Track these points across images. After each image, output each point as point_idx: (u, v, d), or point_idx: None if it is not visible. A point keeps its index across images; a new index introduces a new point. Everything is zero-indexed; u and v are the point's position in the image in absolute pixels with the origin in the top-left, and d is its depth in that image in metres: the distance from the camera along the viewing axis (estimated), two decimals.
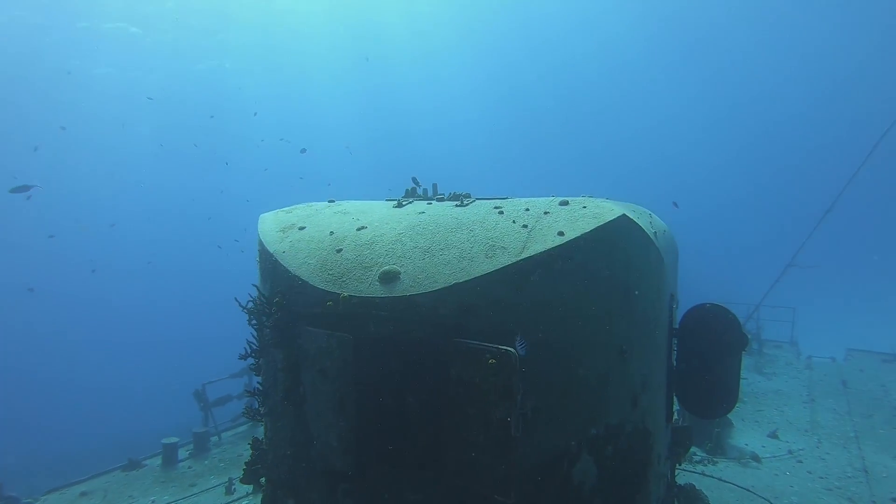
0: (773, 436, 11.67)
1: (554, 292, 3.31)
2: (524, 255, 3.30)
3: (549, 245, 3.33)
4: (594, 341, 3.47)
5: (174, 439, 11.34)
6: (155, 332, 51.31)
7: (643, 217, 4.35)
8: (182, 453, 11.54)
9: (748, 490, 8.66)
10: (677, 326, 5.53)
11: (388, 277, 3.52)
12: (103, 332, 51.16)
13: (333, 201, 5.29)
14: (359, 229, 4.15)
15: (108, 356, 46.62)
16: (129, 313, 54.49)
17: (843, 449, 11.02)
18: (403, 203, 4.65)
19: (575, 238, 3.35)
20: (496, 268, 3.29)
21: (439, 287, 3.33)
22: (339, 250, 3.95)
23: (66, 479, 10.54)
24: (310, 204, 5.24)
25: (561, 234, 3.41)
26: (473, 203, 4.31)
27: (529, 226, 3.59)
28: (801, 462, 10.18)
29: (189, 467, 10.96)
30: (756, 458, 10.17)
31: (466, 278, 3.30)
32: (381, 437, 3.62)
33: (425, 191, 5.45)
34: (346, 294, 3.56)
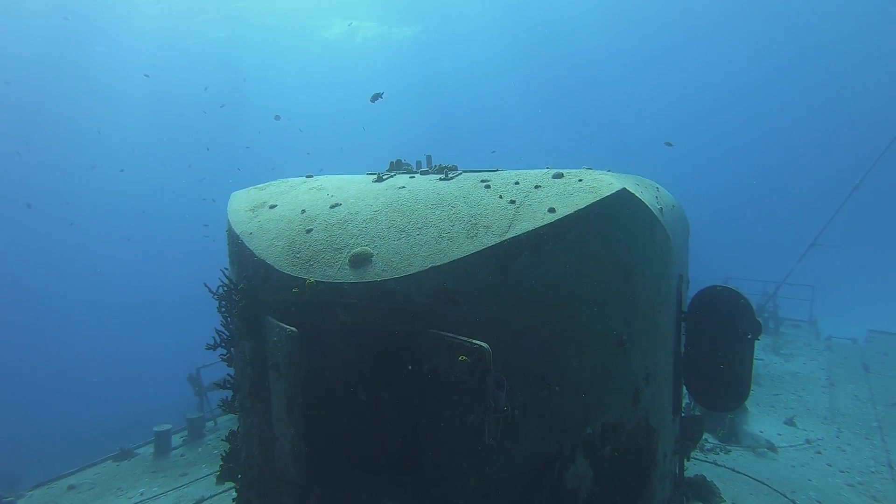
0: (791, 423, 11.35)
1: (544, 276, 2.99)
2: (510, 235, 2.97)
3: (539, 223, 3.00)
4: (590, 331, 3.15)
5: (166, 426, 11.19)
6: (147, 311, 51.02)
7: (648, 191, 4.01)
8: (176, 440, 11.41)
9: (763, 483, 8.37)
10: (686, 310, 5.23)
11: (359, 260, 3.22)
12: (91, 310, 50.60)
13: (311, 176, 4.97)
14: (332, 207, 3.84)
15: (96, 337, 45.99)
16: (117, 291, 54.12)
17: (865, 440, 10.68)
18: (384, 177, 4.32)
19: (568, 215, 3.02)
20: (478, 249, 2.96)
21: (414, 271, 3.01)
22: (309, 230, 3.64)
23: (54, 471, 10.42)
24: (285, 180, 4.93)
25: (552, 210, 3.07)
26: (459, 176, 3.97)
27: (518, 201, 3.25)
28: (820, 453, 9.86)
29: (182, 455, 10.81)
30: (772, 448, 9.86)
31: (445, 261, 2.98)
32: (352, 438, 3.34)
33: (419, 164, 5.14)
34: (312, 279, 3.25)
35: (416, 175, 4.31)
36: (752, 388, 5.33)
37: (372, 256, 3.20)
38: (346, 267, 3.23)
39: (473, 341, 2.77)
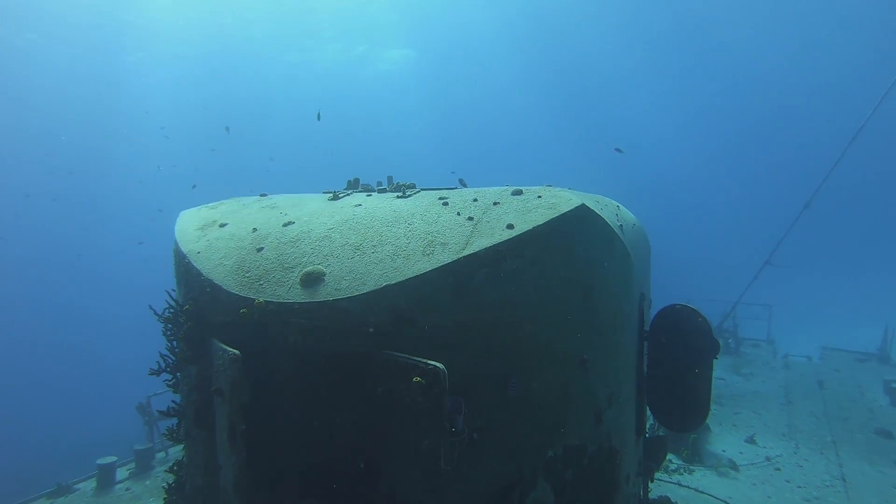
0: (751, 441, 11.51)
1: (502, 295, 2.92)
2: (467, 252, 2.90)
3: (496, 240, 2.94)
4: (550, 351, 3.09)
5: (111, 459, 10.69)
6: (88, 336, 48.82)
7: (608, 209, 4.00)
8: (122, 473, 10.90)
9: (726, 502, 8.42)
10: (648, 329, 5.22)
11: (311, 279, 3.10)
12: (26, 335, 47.58)
13: (265, 195, 4.84)
14: (285, 225, 3.72)
15: (34, 363, 43.36)
16: (57, 314, 51.65)
17: (820, 455, 10.89)
18: (340, 195, 4.22)
19: (526, 231, 2.97)
20: (434, 266, 2.88)
21: (368, 290, 2.91)
22: (260, 249, 3.51)
23: None
24: (238, 199, 4.79)
25: (510, 227, 3.02)
26: (418, 194, 3.90)
27: (476, 218, 3.19)
28: (779, 469, 10.00)
29: (127, 489, 10.32)
30: (734, 466, 9.96)
31: (399, 279, 2.89)
32: (304, 466, 3.19)
33: (379, 183, 5.06)
34: (261, 300, 3.12)
35: (374, 193, 4.22)
36: (711, 407, 5.33)
37: (324, 275, 3.09)
38: (298, 286, 3.10)
39: (428, 362, 2.67)
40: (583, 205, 3.20)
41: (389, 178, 5.32)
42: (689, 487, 8.91)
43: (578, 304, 3.19)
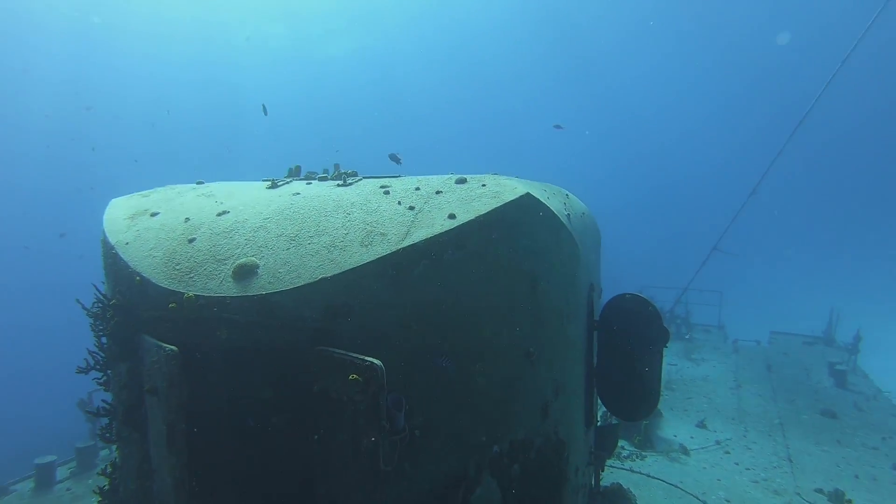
0: (702, 425, 11.78)
1: (443, 287, 2.82)
2: (406, 243, 2.80)
3: (438, 230, 2.84)
4: (495, 344, 3.01)
5: (50, 458, 10.27)
6: (32, 328, 46.66)
7: (556, 198, 3.94)
8: (63, 472, 10.50)
9: (676, 486, 8.58)
10: (597, 319, 5.22)
11: (243, 272, 2.94)
12: None
13: (202, 182, 4.63)
14: (219, 214, 3.54)
15: None
16: None
17: (768, 437, 11.22)
18: (279, 183, 4.05)
19: (468, 221, 2.87)
20: (372, 258, 2.77)
21: (303, 283, 2.78)
22: (192, 240, 3.33)
23: None
24: (173, 186, 4.56)
25: (452, 216, 2.92)
26: (359, 182, 3.77)
27: (417, 207, 3.09)
28: (728, 453, 10.26)
29: (68, 489, 9.95)
30: (685, 451, 10.17)
31: (336, 272, 2.76)
32: (239, 469, 3.05)
33: (326, 171, 4.89)
34: (190, 294, 2.95)
35: (314, 181, 4.07)
36: (662, 394, 5.38)
37: (258, 268, 2.94)
38: (230, 280, 2.95)
39: (365, 358, 2.56)
40: (528, 193, 3.13)
41: (336, 166, 5.17)
42: (640, 473, 9.05)
43: (523, 295, 3.12)
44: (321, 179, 4.11)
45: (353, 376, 2.57)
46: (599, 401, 5.39)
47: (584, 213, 4.88)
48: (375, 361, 2.55)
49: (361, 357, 2.58)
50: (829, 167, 69.65)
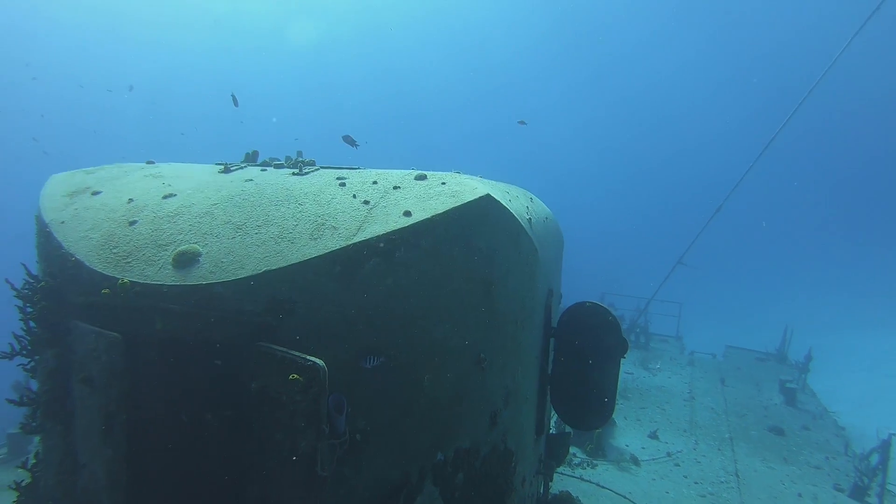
0: (654, 436, 11.93)
1: (394, 286, 2.73)
2: (358, 238, 2.69)
3: (391, 227, 2.74)
4: (444, 348, 2.93)
5: None
6: None
7: (519, 200, 3.88)
8: None
9: (625, 497, 8.65)
10: (555, 326, 5.18)
11: (184, 260, 2.80)
12: None
13: (152, 162, 4.44)
14: (165, 197, 3.38)
15: None
16: None
17: (717, 451, 11.42)
18: (232, 168, 3.90)
19: (424, 220, 2.79)
20: (321, 252, 2.66)
21: (246, 274, 2.66)
22: (133, 223, 3.17)
23: None
24: (120, 165, 4.36)
25: (408, 213, 2.83)
26: (315, 172, 3.65)
27: (372, 202, 2.98)
28: (678, 465, 10.40)
29: None
30: (635, 461, 10.27)
31: (282, 264, 2.65)
32: (171, 467, 2.91)
33: (288, 158, 4.74)
34: (125, 280, 2.80)
35: (269, 168, 3.93)
36: (615, 405, 5.37)
37: (200, 256, 2.81)
38: (169, 267, 2.81)
39: (308, 357, 2.46)
40: (488, 195, 3.05)
41: (299, 153, 5.04)
42: (590, 482, 9.10)
43: (477, 299, 3.05)
44: (277, 167, 3.98)
45: (293, 376, 2.46)
46: (552, 409, 5.36)
47: (547, 218, 4.84)
48: (318, 361, 2.45)
49: (304, 356, 2.48)
50: (796, 184, 71.72)
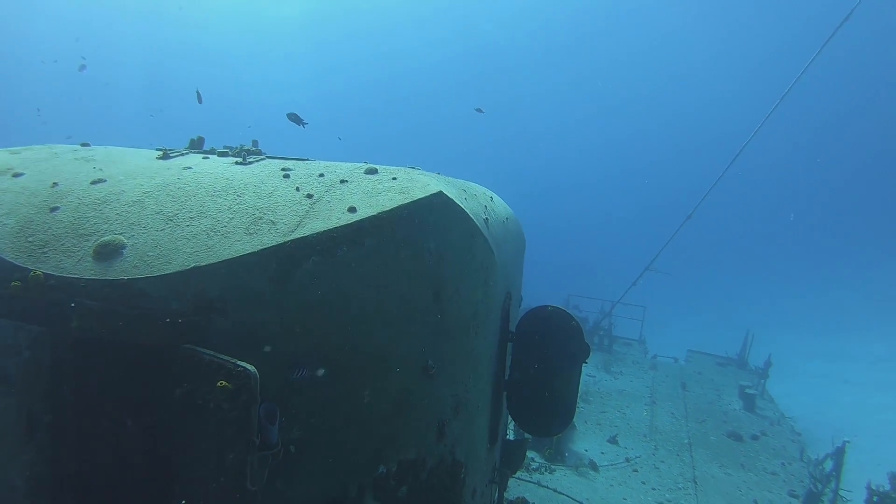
0: (613, 441, 11.99)
1: (334, 287, 2.57)
2: (296, 235, 2.53)
3: (334, 224, 2.59)
4: (389, 354, 2.79)
5: None
6: None
7: (476, 199, 3.75)
8: None
9: (582, 503, 8.64)
10: (514, 331, 5.08)
11: (106, 252, 2.60)
12: None
13: (87, 145, 4.20)
14: (94, 183, 3.16)
15: None
16: None
17: (676, 457, 11.52)
18: (172, 154, 3.69)
19: (369, 217, 2.63)
20: (256, 249, 2.49)
21: (172, 270, 2.47)
22: (54, 209, 2.94)
23: None
24: (51, 146, 4.11)
25: (352, 209, 2.68)
26: (261, 162, 3.47)
27: (316, 196, 2.82)
28: (636, 471, 10.46)
29: None
30: (594, 467, 10.29)
31: (212, 260, 2.47)
32: (90, 477, 2.71)
33: (242, 146, 4.53)
34: (38, 271, 2.58)
35: (212, 156, 3.73)
36: (575, 411, 5.30)
37: (124, 248, 2.61)
38: (89, 259, 2.60)
39: (238, 362, 2.28)
40: (440, 192, 2.92)
41: (254, 142, 4.84)
42: (547, 488, 9.06)
43: (425, 303, 2.91)
44: (221, 155, 3.78)
45: (221, 382, 2.29)
46: (510, 416, 5.27)
47: (507, 219, 4.73)
48: (249, 367, 2.28)
49: (234, 360, 2.31)
50: (764, 193, 73.56)
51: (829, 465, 11.42)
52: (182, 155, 3.72)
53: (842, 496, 11.10)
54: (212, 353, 2.35)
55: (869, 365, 35.69)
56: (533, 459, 10.07)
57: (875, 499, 10.34)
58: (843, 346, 40.54)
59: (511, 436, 7.19)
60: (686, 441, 12.51)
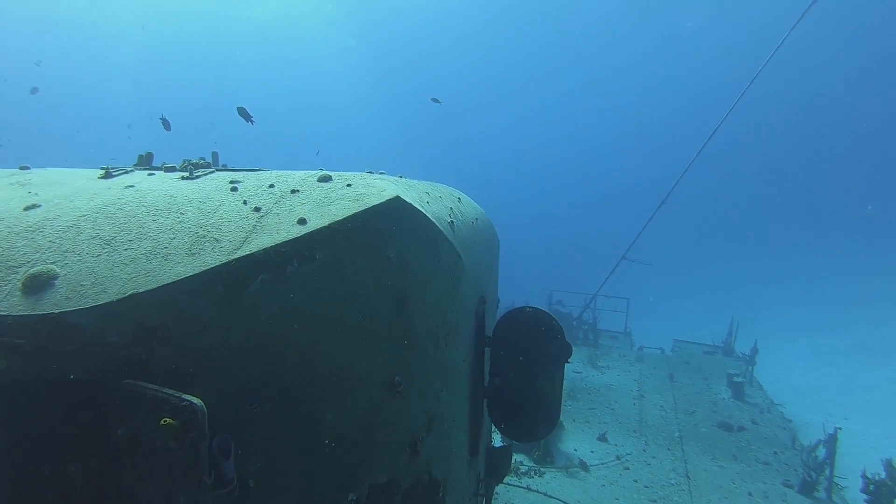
0: (603, 438, 11.92)
1: (287, 306, 2.42)
2: (242, 252, 2.37)
3: (283, 238, 2.44)
4: (351, 374, 2.64)
5: None
6: None
7: (442, 201, 3.62)
8: None
9: None
10: (491, 335, 4.97)
11: (36, 284, 2.42)
12: None
13: (27, 168, 4.00)
14: (27, 209, 2.97)
15: None
16: None
17: (667, 452, 11.48)
18: (115, 173, 3.52)
19: (320, 228, 2.49)
20: (198, 270, 2.33)
21: (109, 299, 2.30)
22: None
23: None
24: None
25: (302, 221, 2.53)
26: (209, 175, 3.30)
27: (264, 209, 2.67)
28: (627, 469, 10.39)
29: None
30: (584, 467, 10.20)
31: (152, 286, 2.31)
32: None
33: (202, 160, 4.35)
34: None
35: (158, 172, 3.56)
36: (561, 411, 5.20)
37: (56, 278, 2.43)
38: (17, 293, 2.42)
39: (184, 396, 2.13)
40: (397, 196, 2.78)
41: (214, 155, 4.68)
42: (537, 492, 8.94)
43: (388, 316, 2.77)
44: (168, 170, 3.61)
45: (165, 420, 2.13)
46: (492, 424, 5.14)
47: (476, 219, 4.60)
48: (194, 400, 2.12)
49: (178, 394, 2.15)
50: (739, 176, 74.54)
51: (821, 452, 11.46)
52: (126, 173, 3.54)
53: (837, 484, 11.13)
54: (155, 387, 2.19)
55: (853, 345, 36.16)
56: (522, 463, 9.95)
57: (871, 487, 10.37)
58: (827, 326, 41.10)
59: (498, 442, 7.07)
60: (677, 434, 12.48)
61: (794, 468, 11.41)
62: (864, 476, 10.66)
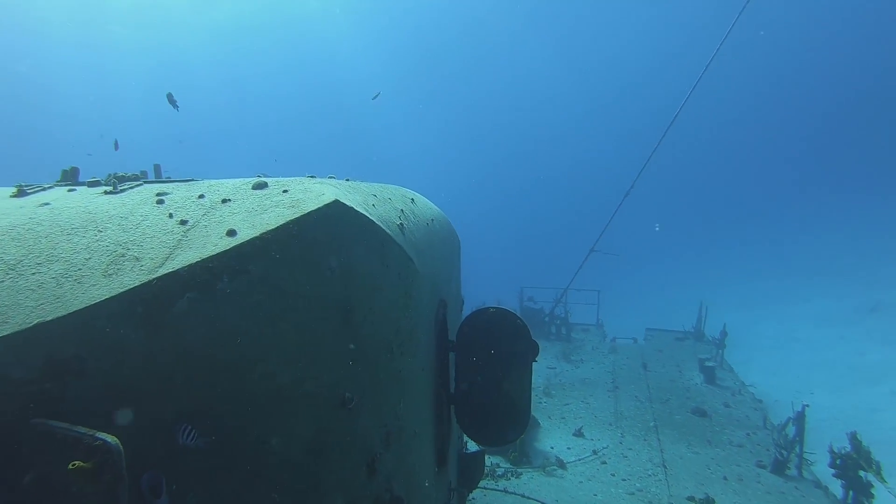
0: (579, 434, 11.87)
1: (218, 326, 2.22)
2: (164, 270, 2.16)
3: (210, 252, 2.23)
4: (294, 395, 2.44)
5: None
6: None
7: (391, 203, 3.44)
8: None
9: None
10: (454, 339, 4.81)
11: None
12: None
13: None
14: None
15: None
16: None
17: (644, 442, 11.47)
18: (30, 190, 3.26)
19: (251, 239, 2.29)
20: (114, 293, 2.11)
21: (12, 330, 2.07)
22: None
23: None
24: None
25: (232, 233, 2.32)
26: (135, 188, 3.07)
27: (191, 221, 2.46)
28: (604, 463, 10.33)
29: None
30: (561, 464, 10.11)
31: (61, 313, 2.08)
32: None
33: (143, 173, 4.10)
34: None
35: (80, 188, 3.31)
36: (531, 413, 5.07)
37: None
38: None
39: (97, 434, 1.91)
40: (336, 201, 2.59)
41: (156, 168, 4.44)
42: (515, 493, 8.82)
43: (333, 329, 2.58)
44: (92, 185, 3.36)
45: (75, 463, 1.91)
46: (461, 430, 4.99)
47: (432, 220, 4.43)
48: (109, 439, 1.90)
49: (92, 432, 1.93)
50: (703, 163, 75.96)
51: (791, 430, 11.59)
52: (43, 189, 3.29)
53: (807, 459, 11.27)
54: (65, 425, 1.97)
55: (814, 321, 36.98)
56: (498, 465, 9.82)
57: (838, 461, 10.54)
58: (788, 302, 42.00)
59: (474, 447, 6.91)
60: (652, 424, 12.50)
61: (767, 448, 11.54)
62: (830, 451, 10.85)
